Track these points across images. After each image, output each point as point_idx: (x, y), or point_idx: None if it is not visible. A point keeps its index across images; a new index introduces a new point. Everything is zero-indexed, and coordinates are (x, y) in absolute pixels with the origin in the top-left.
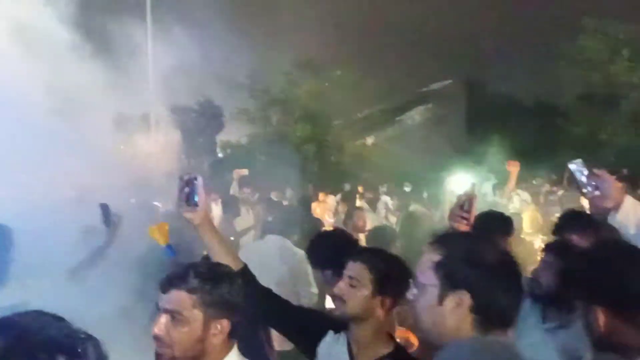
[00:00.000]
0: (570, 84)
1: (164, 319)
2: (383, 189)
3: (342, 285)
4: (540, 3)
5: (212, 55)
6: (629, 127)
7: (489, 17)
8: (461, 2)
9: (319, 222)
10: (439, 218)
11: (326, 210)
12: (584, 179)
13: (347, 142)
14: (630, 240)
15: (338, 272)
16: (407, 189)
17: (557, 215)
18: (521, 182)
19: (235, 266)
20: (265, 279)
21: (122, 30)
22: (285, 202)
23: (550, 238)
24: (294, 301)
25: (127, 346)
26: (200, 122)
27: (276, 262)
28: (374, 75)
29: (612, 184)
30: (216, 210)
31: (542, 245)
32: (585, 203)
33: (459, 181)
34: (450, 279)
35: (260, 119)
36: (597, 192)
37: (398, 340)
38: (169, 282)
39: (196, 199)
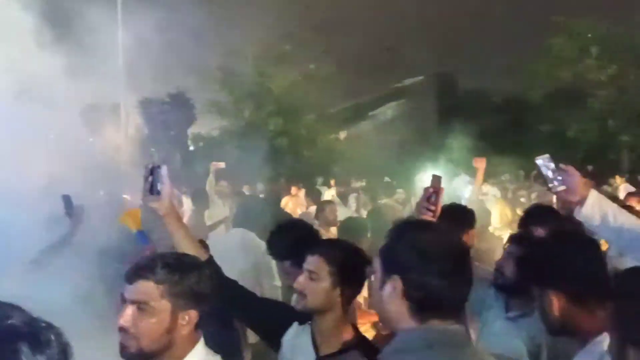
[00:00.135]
0: (540, 81)
1: (130, 310)
2: (362, 183)
3: (301, 280)
4: (511, 1)
5: (183, 47)
6: (596, 125)
7: (461, 14)
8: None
9: (287, 215)
10: (409, 212)
11: (298, 204)
12: (550, 174)
13: (320, 136)
14: (595, 233)
15: (297, 264)
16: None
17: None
18: (490, 177)
19: (200, 257)
20: (229, 272)
21: (91, 19)
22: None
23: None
24: (258, 294)
25: (91, 337)
26: (171, 114)
27: (239, 255)
28: (348, 70)
29: (578, 179)
30: (187, 204)
31: None
32: (554, 198)
33: (430, 176)
34: (386, 264)
35: (233, 112)
36: (563, 187)
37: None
38: (136, 273)
39: (159, 188)
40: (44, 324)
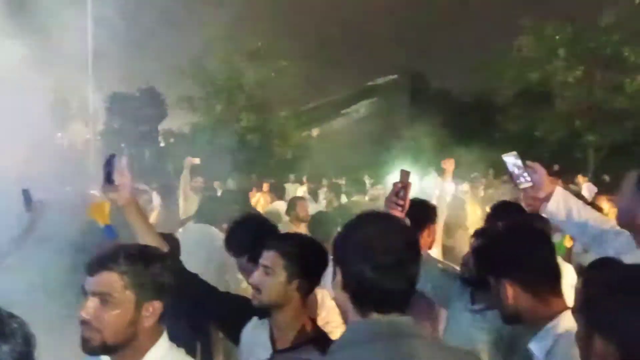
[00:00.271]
0: (509, 81)
1: (92, 302)
2: (337, 180)
3: (256, 275)
4: (481, 3)
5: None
6: (563, 125)
7: (433, 15)
8: (407, 1)
9: (254, 212)
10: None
11: (269, 200)
12: (517, 171)
13: (292, 133)
14: (561, 229)
15: (253, 259)
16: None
17: None
18: (460, 176)
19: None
20: (193, 267)
21: (61, 12)
22: (219, 192)
23: None
24: (223, 289)
25: (56, 329)
26: (141, 110)
27: (202, 250)
28: (321, 68)
29: (544, 175)
30: (157, 199)
31: None
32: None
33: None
34: (333, 256)
35: (204, 108)
36: (529, 184)
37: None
38: (98, 264)
39: (116, 178)
40: (6, 315)
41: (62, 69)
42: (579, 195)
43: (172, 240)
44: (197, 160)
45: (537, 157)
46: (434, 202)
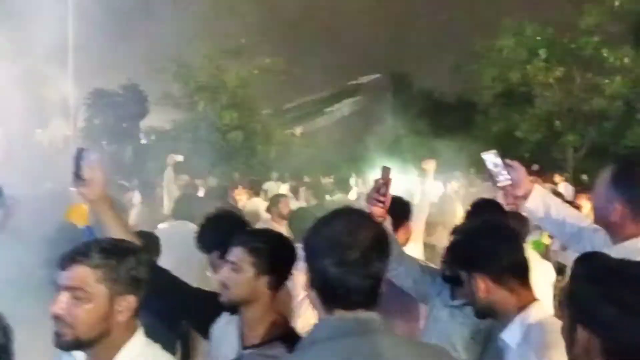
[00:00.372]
0: (490, 82)
1: (64, 296)
2: (329, 179)
3: (224, 272)
4: (463, 3)
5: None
6: (543, 125)
7: (416, 15)
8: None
9: (234, 209)
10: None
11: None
12: (496, 169)
13: (275, 132)
14: (540, 226)
15: (224, 256)
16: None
17: None
18: (442, 175)
19: None
20: (173, 264)
21: (41, 6)
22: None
23: None
24: (204, 286)
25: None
26: (123, 106)
27: (182, 247)
28: (304, 66)
29: (523, 174)
30: (137, 197)
31: None
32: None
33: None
34: (304, 252)
35: (186, 105)
36: (508, 182)
37: None
38: (70, 258)
39: (86, 173)
40: None
41: (42, 64)
42: (557, 193)
43: (151, 238)
44: (180, 158)
45: (518, 157)
46: (416, 200)
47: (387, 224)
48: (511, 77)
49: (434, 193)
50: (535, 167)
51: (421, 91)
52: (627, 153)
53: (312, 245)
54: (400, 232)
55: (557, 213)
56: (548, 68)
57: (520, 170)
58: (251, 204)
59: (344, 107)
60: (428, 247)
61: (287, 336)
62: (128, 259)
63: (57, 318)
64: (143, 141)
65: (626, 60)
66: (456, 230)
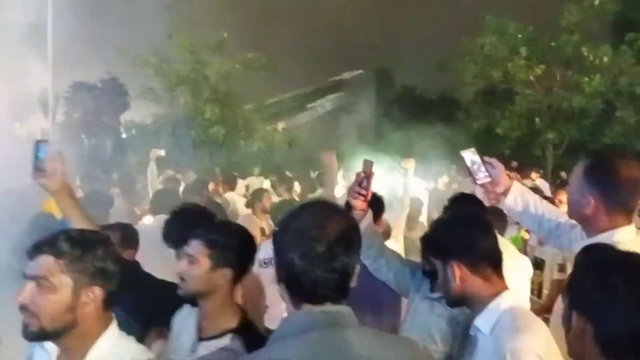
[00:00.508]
0: (472, 79)
1: (29, 286)
2: (313, 174)
3: (181, 264)
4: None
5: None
6: (523, 122)
7: (399, 11)
8: None
9: (214, 204)
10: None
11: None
12: (475, 167)
13: (257, 127)
14: (519, 221)
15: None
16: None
17: None
18: (423, 171)
19: None
20: (153, 258)
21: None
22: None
23: None
24: None
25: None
26: (103, 100)
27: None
28: (287, 61)
29: (502, 171)
30: (116, 191)
31: None
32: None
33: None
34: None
35: (167, 99)
36: (488, 179)
37: None
38: (36, 248)
39: (44, 164)
40: None
41: (21, 57)
42: (536, 190)
43: (128, 230)
44: (162, 152)
45: (498, 154)
46: (400, 196)
47: (369, 217)
48: (492, 74)
49: (415, 189)
50: (514, 163)
51: (404, 88)
52: (601, 148)
53: (280, 238)
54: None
55: (536, 209)
56: (529, 66)
57: (499, 167)
58: (225, 199)
59: (327, 103)
60: (409, 241)
61: (243, 329)
62: (95, 250)
63: (22, 308)
64: (123, 135)
65: (605, 59)
66: (433, 223)
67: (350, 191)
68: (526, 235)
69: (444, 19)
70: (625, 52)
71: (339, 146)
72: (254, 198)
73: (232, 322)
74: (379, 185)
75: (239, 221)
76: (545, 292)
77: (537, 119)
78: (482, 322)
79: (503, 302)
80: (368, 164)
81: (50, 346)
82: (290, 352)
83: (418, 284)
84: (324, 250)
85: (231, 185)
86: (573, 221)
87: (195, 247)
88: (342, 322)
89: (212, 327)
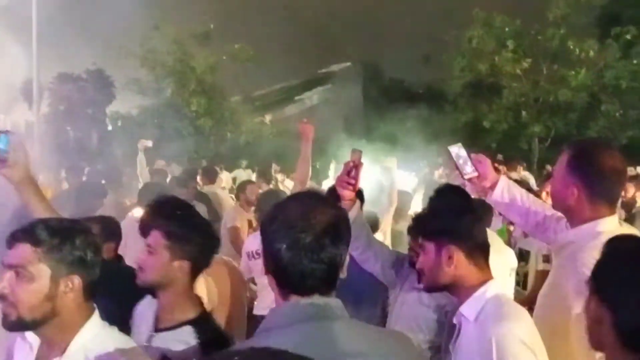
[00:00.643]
0: (459, 72)
1: (7, 275)
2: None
3: (140, 254)
4: None
5: (101, 21)
6: (510, 116)
7: (387, 4)
8: None
9: (202, 196)
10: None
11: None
12: (462, 161)
13: (244, 119)
14: (506, 215)
15: None
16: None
17: None
18: (410, 164)
19: None
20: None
21: None
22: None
23: None
24: None
25: None
26: (88, 92)
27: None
28: (274, 53)
29: (489, 165)
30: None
31: None
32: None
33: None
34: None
35: (154, 91)
36: (475, 174)
37: None
38: (15, 236)
39: (5, 155)
40: None
41: (7, 50)
42: (521, 182)
43: (109, 224)
44: (149, 143)
45: (484, 147)
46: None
47: (357, 207)
48: (480, 67)
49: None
50: (499, 157)
51: (392, 81)
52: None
53: (267, 229)
54: None
55: (523, 203)
56: (516, 59)
57: (485, 162)
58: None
59: (315, 96)
60: (396, 234)
61: (199, 321)
62: (73, 239)
63: (1, 297)
64: (109, 127)
65: (591, 53)
66: (433, 206)
67: (339, 181)
68: (511, 227)
69: (432, 11)
70: (611, 46)
71: (327, 139)
72: (239, 190)
73: (189, 314)
74: (366, 178)
75: (227, 213)
76: (530, 282)
77: (523, 112)
78: (468, 308)
79: (489, 290)
80: (356, 153)
81: (32, 337)
82: (275, 344)
83: (405, 275)
84: (311, 241)
85: (211, 178)
86: (559, 214)
87: (155, 237)
88: (330, 314)
89: (169, 319)
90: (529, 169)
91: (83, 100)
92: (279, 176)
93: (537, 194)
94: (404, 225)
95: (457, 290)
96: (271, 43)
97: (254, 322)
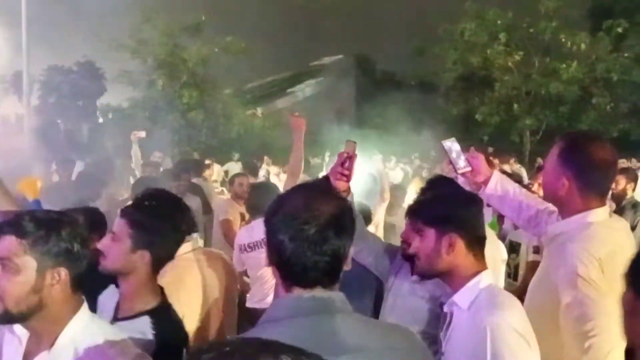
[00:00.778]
0: (451, 65)
1: None
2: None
3: (104, 240)
4: None
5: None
6: (502, 109)
7: None
8: None
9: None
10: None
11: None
12: (456, 156)
13: (236, 112)
14: (499, 210)
15: None
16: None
17: None
18: (403, 157)
19: None
20: None
21: None
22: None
23: None
24: None
25: None
26: (78, 84)
27: None
28: (266, 45)
29: (482, 161)
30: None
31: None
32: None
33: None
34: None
35: (144, 83)
36: (468, 168)
37: None
38: (0, 228)
39: None
40: None
41: None
42: (511, 175)
43: (93, 215)
44: (143, 134)
45: (476, 140)
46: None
47: (350, 199)
48: (472, 60)
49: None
50: (490, 149)
51: (384, 74)
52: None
53: (271, 220)
54: None
55: (515, 197)
56: (508, 52)
57: (479, 157)
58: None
59: (306, 88)
60: (388, 226)
61: (158, 311)
62: (59, 231)
63: None
64: (100, 119)
65: (583, 46)
66: (437, 193)
67: (333, 172)
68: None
69: (425, 4)
70: (602, 39)
71: (319, 131)
72: (230, 183)
73: (149, 304)
74: (358, 170)
75: (219, 206)
76: (520, 274)
77: (515, 105)
78: (462, 297)
79: (483, 280)
80: (350, 145)
81: (21, 330)
82: (274, 336)
83: (398, 268)
84: (314, 233)
85: (197, 171)
86: (551, 208)
87: (120, 225)
88: (332, 308)
89: (129, 308)
90: (520, 161)
91: (73, 92)
92: (274, 169)
93: (529, 187)
94: (397, 218)
95: (451, 279)
96: (263, 35)
97: (246, 315)
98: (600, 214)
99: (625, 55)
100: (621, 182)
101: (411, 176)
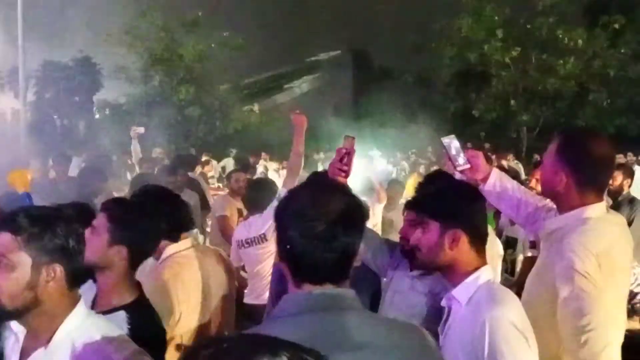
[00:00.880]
0: (449, 61)
1: None
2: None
3: (85, 232)
4: None
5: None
6: (499, 105)
7: None
8: None
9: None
10: None
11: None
12: (455, 153)
13: (233, 108)
14: (497, 207)
15: None
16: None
17: None
18: (401, 152)
19: None
20: None
21: None
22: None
23: None
24: None
25: None
26: (75, 80)
27: None
28: (263, 40)
29: (481, 158)
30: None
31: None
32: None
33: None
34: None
35: (141, 79)
36: (467, 166)
37: None
38: None
39: None
40: None
41: None
42: (510, 172)
43: (83, 210)
44: (141, 129)
45: (474, 136)
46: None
47: None
48: (469, 56)
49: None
50: (486, 145)
51: (381, 69)
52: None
53: (281, 216)
54: None
55: (513, 195)
56: (505, 48)
57: (478, 154)
58: None
59: (304, 84)
60: (387, 222)
61: (134, 307)
62: (54, 227)
63: None
64: (97, 115)
65: (580, 42)
66: (442, 186)
67: (331, 167)
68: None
69: (422, 0)
70: (599, 35)
71: (316, 127)
72: (227, 179)
73: (125, 299)
74: (356, 168)
75: (216, 202)
76: (517, 269)
77: (512, 101)
78: (461, 292)
79: (482, 275)
80: (349, 140)
81: (18, 327)
82: (283, 333)
83: (396, 263)
84: (324, 229)
85: (191, 166)
86: (550, 205)
87: (100, 218)
88: (342, 304)
89: (105, 303)
90: (517, 157)
91: (70, 88)
92: (273, 165)
93: (526, 183)
94: (395, 214)
95: (451, 273)
96: (260, 31)
97: (244, 311)
98: (598, 210)
99: (622, 51)
100: (618, 178)
101: (408, 172)
